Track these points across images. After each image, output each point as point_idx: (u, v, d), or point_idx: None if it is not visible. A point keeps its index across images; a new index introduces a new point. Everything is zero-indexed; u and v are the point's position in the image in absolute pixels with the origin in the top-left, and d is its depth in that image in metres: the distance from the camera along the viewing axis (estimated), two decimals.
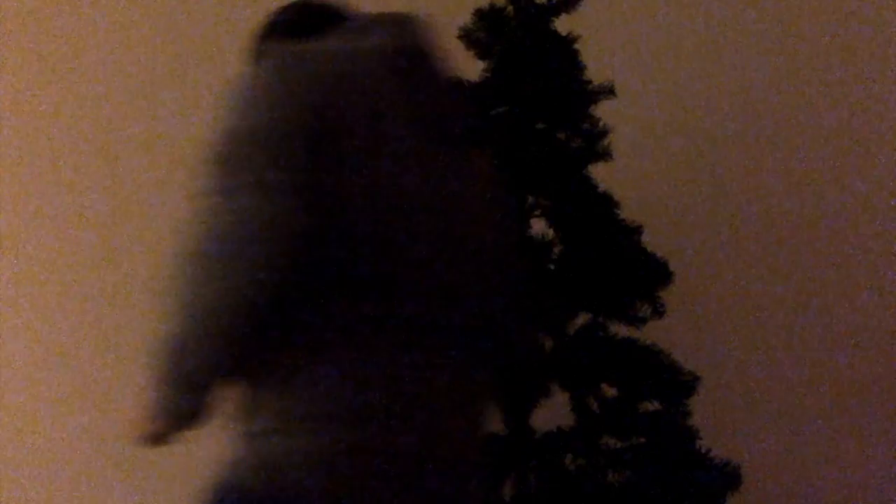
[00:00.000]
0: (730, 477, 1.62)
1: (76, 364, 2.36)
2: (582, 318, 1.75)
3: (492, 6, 1.81)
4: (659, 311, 1.73)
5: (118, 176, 2.44)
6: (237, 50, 2.46)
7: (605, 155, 1.79)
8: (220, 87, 2.49)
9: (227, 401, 1.06)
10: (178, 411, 0.99)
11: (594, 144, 1.79)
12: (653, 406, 1.71)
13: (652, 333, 1.74)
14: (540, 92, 1.75)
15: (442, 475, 1.04)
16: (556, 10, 1.81)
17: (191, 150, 2.40)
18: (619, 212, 1.77)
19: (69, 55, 2.53)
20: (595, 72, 1.82)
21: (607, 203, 1.77)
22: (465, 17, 1.84)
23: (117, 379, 2.32)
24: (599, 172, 1.81)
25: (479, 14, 1.82)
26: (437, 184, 1.07)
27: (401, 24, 1.10)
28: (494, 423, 1.73)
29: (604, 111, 1.81)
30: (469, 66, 1.84)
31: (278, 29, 1.15)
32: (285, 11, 1.18)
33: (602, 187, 1.79)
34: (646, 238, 1.78)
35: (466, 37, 1.83)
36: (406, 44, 1.08)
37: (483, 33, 1.82)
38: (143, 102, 2.46)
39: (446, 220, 1.07)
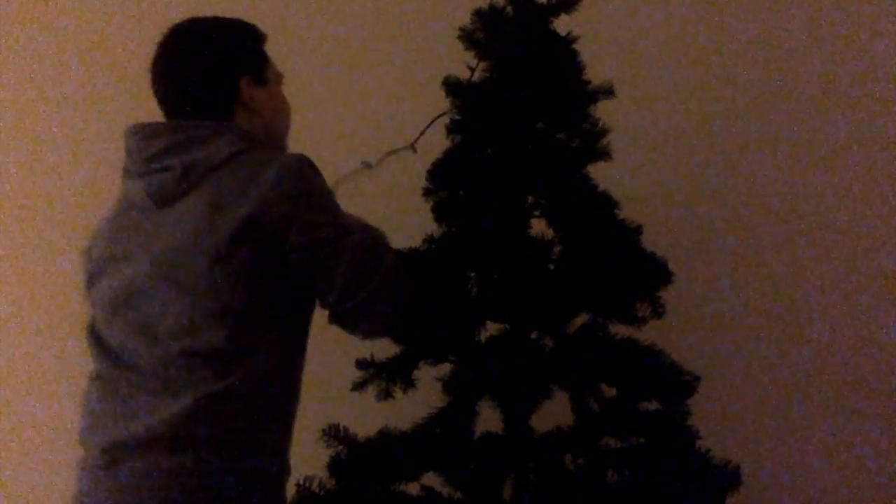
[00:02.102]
0: (730, 477, 1.62)
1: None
2: (582, 318, 1.76)
3: (491, 6, 1.82)
4: (659, 311, 1.73)
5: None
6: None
7: (604, 155, 1.80)
8: None
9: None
10: None
11: (594, 144, 1.79)
12: (653, 406, 1.71)
13: (652, 333, 1.74)
14: (539, 92, 1.75)
15: None
16: (556, 11, 1.81)
17: None
18: (618, 212, 1.77)
19: (74, 53, 2.53)
20: (595, 72, 1.82)
21: (607, 203, 1.77)
22: (464, 18, 1.84)
23: None
24: (599, 172, 1.81)
25: (479, 14, 1.82)
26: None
27: None
28: (494, 423, 1.74)
29: (603, 111, 1.81)
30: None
31: None
32: None
33: (602, 187, 1.80)
34: (646, 238, 1.78)
35: (466, 37, 1.83)
36: None
37: (482, 33, 1.82)
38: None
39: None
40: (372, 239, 1.35)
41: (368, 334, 1.39)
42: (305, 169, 1.30)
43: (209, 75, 1.34)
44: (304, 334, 1.39)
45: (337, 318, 1.35)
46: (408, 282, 1.37)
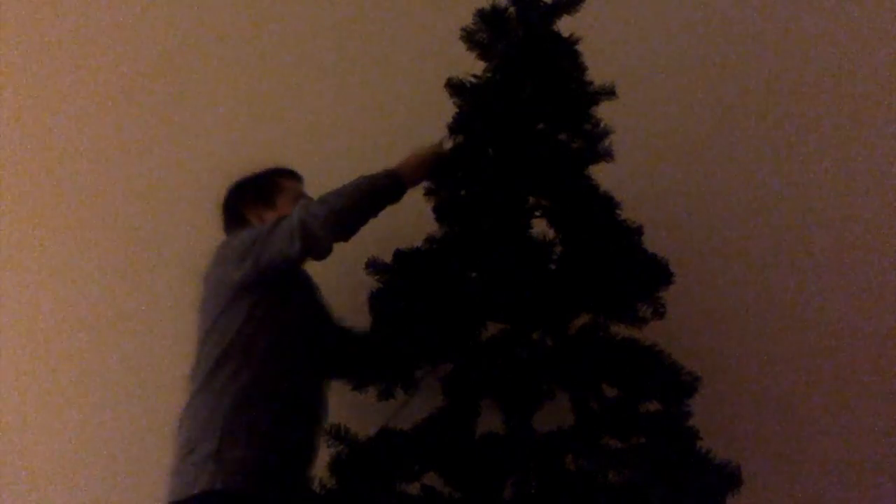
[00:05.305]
0: (730, 477, 1.63)
1: (76, 366, 2.36)
2: (582, 319, 1.76)
3: (494, 7, 1.82)
4: (659, 312, 1.73)
5: (120, 178, 2.44)
6: (235, 51, 2.46)
7: (605, 155, 1.80)
8: (228, 92, 2.48)
9: None
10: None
11: (595, 145, 1.79)
12: (653, 406, 1.71)
13: (652, 333, 1.74)
14: (541, 93, 1.75)
15: None
16: (558, 12, 1.81)
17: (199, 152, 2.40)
18: (619, 212, 1.77)
19: (86, 53, 2.53)
20: (596, 73, 1.83)
21: (607, 203, 1.77)
22: (466, 18, 1.84)
23: (117, 381, 2.33)
24: (600, 173, 1.81)
25: (481, 15, 1.82)
26: None
27: None
28: (495, 423, 1.74)
29: (604, 112, 1.81)
30: (470, 67, 1.84)
31: None
32: None
33: (602, 188, 1.80)
34: (646, 238, 1.78)
35: (468, 37, 1.83)
36: None
37: (485, 34, 1.82)
38: (149, 107, 2.46)
39: None
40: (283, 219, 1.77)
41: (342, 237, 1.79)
42: (224, 244, 1.84)
43: (229, 214, 1.97)
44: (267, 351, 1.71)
45: (318, 255, 1.78)
46: (321, 206, 1.75)
